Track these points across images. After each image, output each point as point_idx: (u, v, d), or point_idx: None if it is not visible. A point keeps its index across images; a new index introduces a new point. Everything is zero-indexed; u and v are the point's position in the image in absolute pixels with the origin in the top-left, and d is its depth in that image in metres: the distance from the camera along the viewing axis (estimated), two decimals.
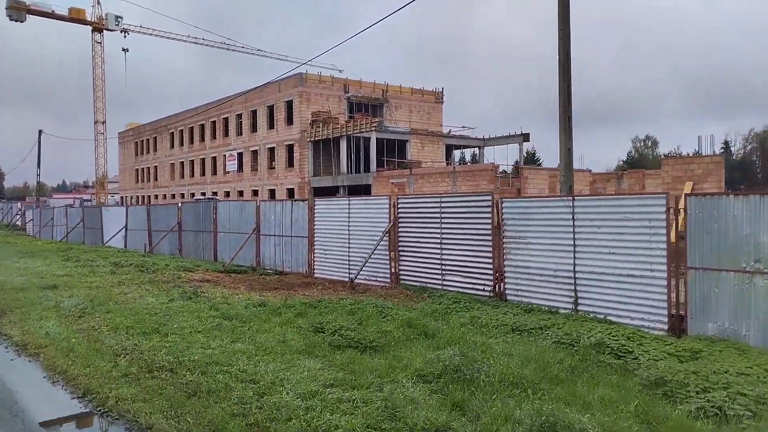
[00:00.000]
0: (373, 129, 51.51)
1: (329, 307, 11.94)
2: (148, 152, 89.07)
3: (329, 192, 55.53)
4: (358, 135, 53.99)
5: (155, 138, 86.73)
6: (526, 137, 58.95)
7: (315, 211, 19.83)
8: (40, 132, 64.07)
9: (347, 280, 18.24)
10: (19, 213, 57.87)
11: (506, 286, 13.72)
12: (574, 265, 12.15)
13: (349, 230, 18.44)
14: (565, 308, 12.25)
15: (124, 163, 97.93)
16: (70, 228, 38.01)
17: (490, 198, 14.19)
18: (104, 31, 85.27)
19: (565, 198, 12.45)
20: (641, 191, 37.56)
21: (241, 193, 66.51)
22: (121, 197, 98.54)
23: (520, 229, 13.32)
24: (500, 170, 43.67)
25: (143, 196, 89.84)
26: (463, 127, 61.66)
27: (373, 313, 11.10)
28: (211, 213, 25.62)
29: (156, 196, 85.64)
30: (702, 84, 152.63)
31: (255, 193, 64.89)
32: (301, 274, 20.28)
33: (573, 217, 12.12)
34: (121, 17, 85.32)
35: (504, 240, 13.68)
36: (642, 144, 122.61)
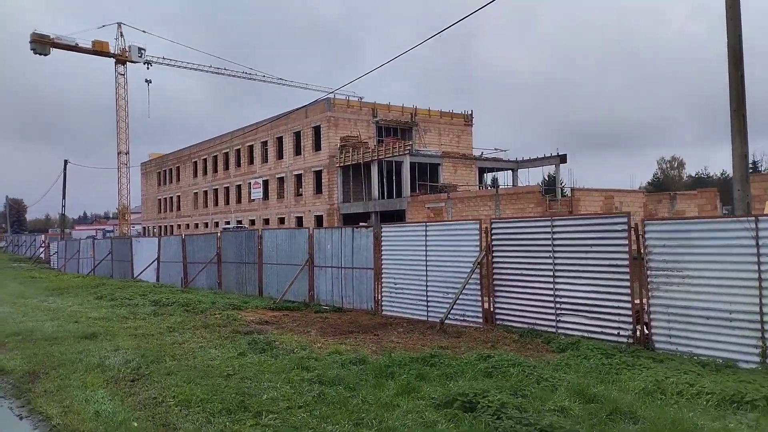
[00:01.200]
0: (406, 152, 48.97)
1: (452, 366, 9.13)
2: (170, 182, 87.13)
3: (360, 218, 52.93)
4: (390, 159, 51.51)
5: (178, 168, 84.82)
6: (563, 158, 56.22)
7: (383, 238, 17.10)
8: (66, 162, 62.13)
9: (424, 318, 15.48)
10: (43, 246, 55.57)
11: (653, 330, 10.85)
12: (761, 304, 9.31)
13: (426, 260, 15.67)
14: (746, 360, 9.39)
15: (146, 194, 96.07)
16: (98, 261, 35.51)
17: (625, 220, 11.39)
18: (127, 63, 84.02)
19: (743, 218, 9.62)
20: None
21: (267, 221, 64.11)
22: (143, 228, 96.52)
23: (673, 258, 10.49)
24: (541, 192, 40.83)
25: (166, 226, 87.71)
26: (496, 149, 59.05)
27: (521, 375, 8.28)
28: (255, 243, 22.97)
29: (179, 226, 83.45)
30: (707, 109, 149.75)
31: (281, 221, 62.45)
32: (365, 312, 17.51)
33: (757, 243, 9.31)
34: (144, 49, 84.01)
35: (648, 272, 10.86)
36: (668, 165, 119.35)
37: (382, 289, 17.10)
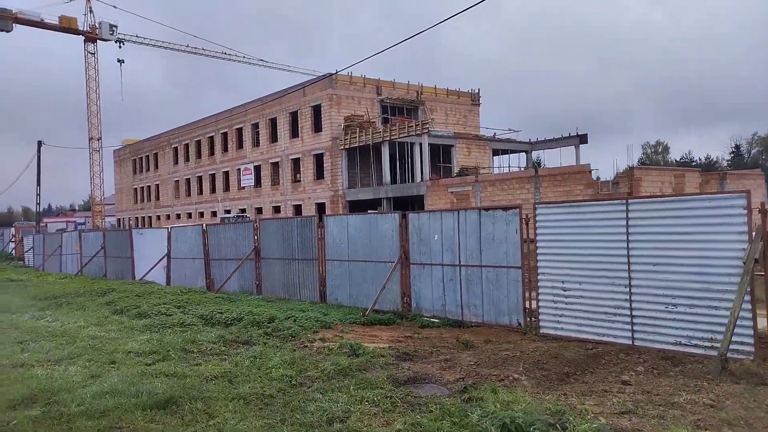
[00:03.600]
0: (425, 132, 43.60)
1: None
2: (148, 170, 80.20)
3: (369, 206, 47.53)
4: (401, 140, 46.15)
5: (156, 154, 77.98)
6: (582, 138, 51.62)
7: (539, 223, 11.80)
8: (40, 144, 54.78)
9: (626, 342, 10.32)
10: (13, 240, 48.68)
11: None
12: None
13: (628, 255, 10.44)
14: None
15: (120, 183, 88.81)
16: (86, 257, 29.45)
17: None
18: (98, 41, 76.83)
19: None
20: None
21: (259, 210, 58.23)
22: (118, 219, 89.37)
23: None
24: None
25: (143, 217, 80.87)
26: (509, 129, 54.09)
27: None
28: (312, 233, 17.47)
29: (158, 217, 76.77)
30: (670, 95, 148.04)
31: (276, 209, 56.67)
32: (506, 328, 12.30)
33: None
34: (116, 26, 76.96)
35: None
36: (653, 150, 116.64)
37: (540, 297, 11.81)
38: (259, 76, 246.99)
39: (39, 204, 56.57)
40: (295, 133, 54.80)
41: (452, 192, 41.37)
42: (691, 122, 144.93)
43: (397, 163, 49.11)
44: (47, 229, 60.69)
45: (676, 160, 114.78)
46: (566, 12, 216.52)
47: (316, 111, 52.24)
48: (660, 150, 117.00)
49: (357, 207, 48.50)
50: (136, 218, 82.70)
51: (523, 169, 53.93)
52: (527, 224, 12.15)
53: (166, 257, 24.10)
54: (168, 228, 24.76)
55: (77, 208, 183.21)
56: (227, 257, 21.01)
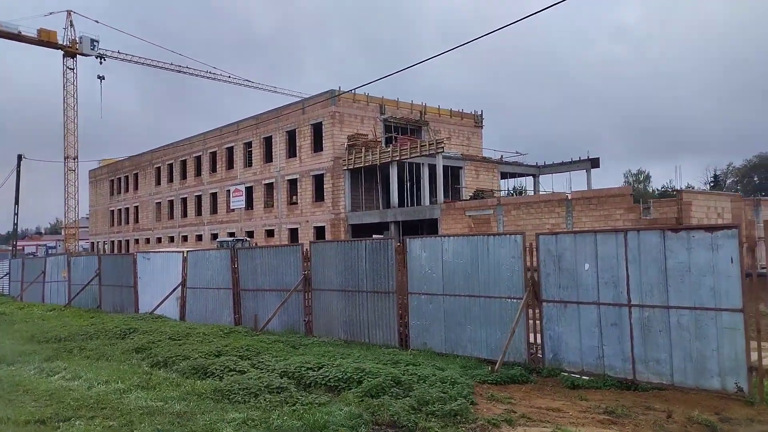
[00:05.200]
0: (438, 151, 40.38)
1: None
2: (127, 191, 75.35)
3: (373, 230, 44.02)
4: (408, 161, 42.89)
5: (136, 175, 73.30)
6: (594, 162, 49.04)
7: None
8: (20, 158, 49.81)
9: None
10: None
11: None
12: None
13: None
14: None
15: (96, 204, 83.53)
16: (77, 286, 25.21)
17: None
18: (77, 56, 72.72)
19: None
20: None
21: (250, 234, 54.08)
22: (91, 243, 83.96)
23: None
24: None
25: (119, 241, 75.82)
26: (516, 152, 51.31)
27: None
28: (390, 259, 13.86)
29: (137, 241, 71.86)
30: (635, 128, 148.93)
31: (270, 233, 52.69)
32: (717, 394, 8.87)
33: None
34: (97, 41, 72.95)
35: None
36: (634, 178, 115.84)
37: None
38: (242, 97, 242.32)
39: (17, 225, 51.45)
40: (292, 152, 51.13)
41: (470, 216, 38.05)
42: (655, 153, 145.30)
43: (405, 186, 45.74)
44: (24, 253, 55.45)
45: (657, 189, 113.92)
46: (534, 49, 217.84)
47: (317, 129, 48.74)
48: (642, 179, 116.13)
49: (360, 231, 44.95)
50: (112, 242, 77.59)
51: (531, 193, 51.08)
52: (751, 250, 8.76)
53: (180, 287, 20.14)
54: (184, 252, 20.84)
55: (43, 231, 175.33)
56: (264, 287, 17.22)
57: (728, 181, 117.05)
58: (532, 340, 11.50)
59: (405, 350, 13.10)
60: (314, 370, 9.51)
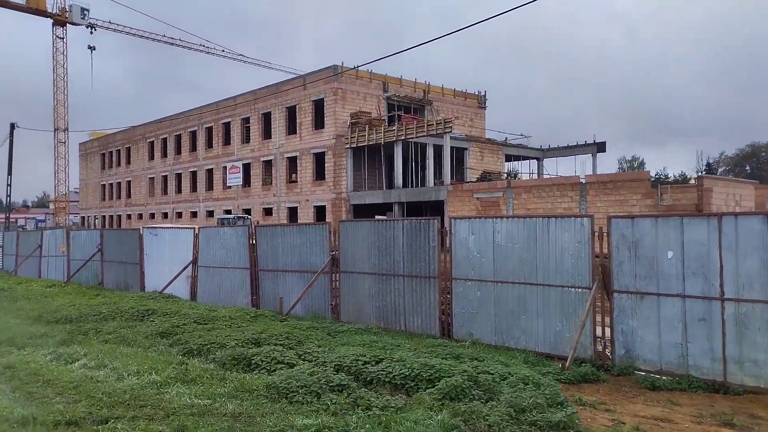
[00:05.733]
0: (446, 131, 39.18)
1: None
2: (119, 165, 73.51)
3: (377, 210, 42.89)
4: (412, 141, 41.72)
5: (128, 149, 71.45)
6: (600, 146, 48.16)
7: None
8: (13, 126, 47.80)
9: None
10: None
11: None
12: None
13: None
14: None
15: (86, 178, 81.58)
16: (77, 261, 23.92)
17: None
18: (68, 25, 70.34)
19: None
20: None
21: (248, 212, 52.71)
22: (82, 218, 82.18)
23: None
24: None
25: (111, 216, 74.13)
26: (521, 134, 50.23)
27: None
28: (431, 241, 12.75)
29: (129, 216, 70.25)
30: (627, 113, 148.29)
31: (268, 212, 51.40)
32: None
33: None
34: (87, 10, 70.51)
35: None
36: (628, 165, 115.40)
37: None
38: (235, 74, 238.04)
39: (10, 196, 49.44)
40: (292, 129, 49.69)
41: (478, 198, 37.03)
42: (645, 140, 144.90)
43: (410, 166, 44.59)
44: (17, 226, 53.70)
45: (651, 177, 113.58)
46: (529, 31, 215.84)
47: (318, 106, 47.30)
48: (636, 165, 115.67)
49: (362, 212, 43.81)
50: (103, 216, 75.88)
51: (535, 176, 50.11)
52: None
53: (191, 265, 18.94)
54: (195, 228, 19.61)
55: (30, 204, 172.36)
56: (286, 268, 16.07)
57: (720, 170, 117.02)
58: (598, 334, 10.47)
59: (448, 340, 12.05)
60: (372, 365, 8.42)
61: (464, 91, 53.91)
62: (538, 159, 51.42)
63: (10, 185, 46.99)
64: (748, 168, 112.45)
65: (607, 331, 10.34)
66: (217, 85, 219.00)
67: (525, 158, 51.14)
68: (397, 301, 13.44)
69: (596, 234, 10.38)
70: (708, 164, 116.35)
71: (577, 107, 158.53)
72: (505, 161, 51.16)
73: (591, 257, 10.36)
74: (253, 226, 18.54)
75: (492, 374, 8.03)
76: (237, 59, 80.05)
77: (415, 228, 13.17)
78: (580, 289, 10.46)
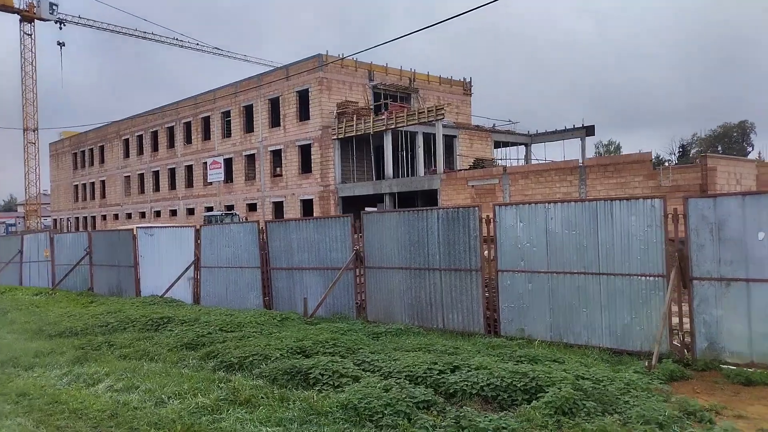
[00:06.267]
0: (438, 119, 38.17)
1: None
2: (92, 165, 71.11)
3: (366, 202, 41.61)
4: (401, 130, 40.65)
5: (102, 147, 69.10)
6: (589, 130, 47.56)
7: None
8: None
9: None
10: None
11: None
12: None
13: None
14: None
15: (57, 179, 78.88)
16: (63, 267, 22.39)
17: None
18: (35, 20, 67.73)
19: None
20: None
21: (230, 208, 51.09)
22: (54, 220, 79.55)
23: None
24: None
25: (84, 218, 71.73)
26: (509, 121, 49.44)
27: None
28: (472, 231, 11.69)
29: (104, 217, 68.03)
30: (597, 100, 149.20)
31: (252, 207, 49.93)
32: None
33: None
34: (56, 5, 67.89)
35: None
36: (605, 149, 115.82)
37: None
38: (211, 68, 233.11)
39: None
40: (276, 121, 48.19)
41: (473, 186, 36.11)
42: (616, 125, 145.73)
43: (399, 156, 43.48)
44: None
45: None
46: (501, 22, 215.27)
47: (303, 97, 45.88)
48: (612, 149, 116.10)
49: (352, 204, 42.56)
50: (77, 218, 73.46)
51: (523, 162, 49.37)
52: None
53: (193, 266, 17.63)
54: (196, 226, 18.27)
55: None
56: (302, 266, 14.88)
57: (692, 151, 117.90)
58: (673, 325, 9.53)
59: (495, 337, 11.03)
60: (447, 373, 7.34)
61: (450, 78, 52.89)
62: (526, 145, 50.69)
63: None
64: (719, 148, 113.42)
65: (684, 322, 9.39)
66: (192, 80, 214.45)
67: (513, 144, 50.33)
68: (432, 297, 12.36)
69: (669, 216, 9.40)
70: (682, 146, 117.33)
71: (547, 94, 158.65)
72: (495, 148, 50.28)
73: (664, 242, 9.39)
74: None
75: (594, 380, 6.99)
76: (212, 52, 78.09)
77: (452, 217, 12.08)
78: (651, 278, 9.49)
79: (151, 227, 19.69)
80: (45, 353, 9.86)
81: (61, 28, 68.34)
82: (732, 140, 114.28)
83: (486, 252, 11.68)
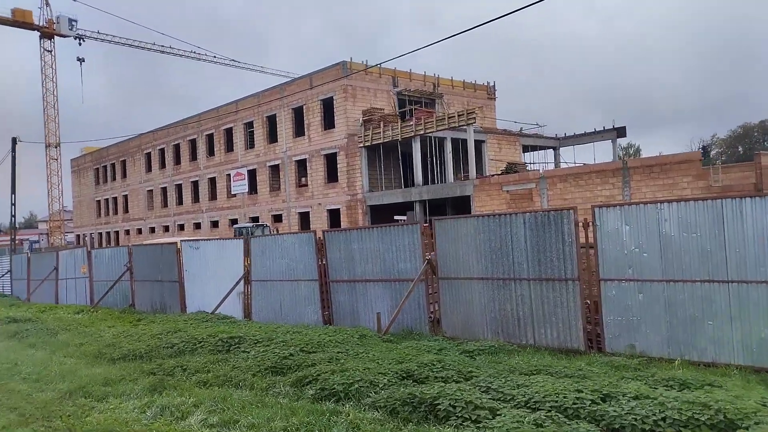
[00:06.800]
0: (470, 122, 37.09)
1: None
2: (114, 179, 70.63)
3: (395, 210, 40.62)
4: (429, 136, 39.64)
5: (124, 162, 68.60)
6: (620, 132, 46.31)
7: None
8: (15, 141, 44.79)
9: None
10: None
11: None
12: None
13: None
14: None
15: (80, 195, 78.51)
16: (102, 283, 21.50)
17: None
18: (55, 37, 67.50)
19: None
20: None
21: (255, 220, 50.27)
22: (77, 236, 79.11)
23: None
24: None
25: (108, 233, 71.21)
26: (537, 124, 48.31)
27: None
28: (567, 236, 10.61)
29: (127, 232, 67.42)
30: (607, 101, 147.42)
31: (277, 218, 49.01)
32: None
33: None
34: (75, 21, 67.65)
35: None
36: (624, 152, 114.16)
37: None
38: (228, 81, 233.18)
39: (14, 216, 46.21)
40: (299, 131, 47.31)
41: (508, 191, 34.97)
42: (633, 128, 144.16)
43: (428, 162, 42.43)
44: (22, 247, 50.67)
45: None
46: (505, 23, 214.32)
47: (327, 105, 45.01)
48: (632, 152, 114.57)
49: (380, 213, 41.59)
50: (99, 233, 72.94)
51: (551, 166, 48.15)
52: None
53: (243, 280, 16.62)
54: (245, 238, 17.28)
55: (17, 226, 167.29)
56: (366, 277, 13.83)
57: (712, 152, 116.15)
58: None
59: (600, 354, 9.91)
60: (599, 403, 6.24)
61: (474, 82, 51.88)
62: (554, 148, 49.51)
63: (14, 204, 43.91)
64: (740, 149, 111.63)
65: None
66: (208, 93, 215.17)
67: (542, 148, 49.19)
68: (520, 310, 11.25)
69: None
70: (703, 147, 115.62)
71: (560, 99, 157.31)
72: (523, 152, 49.15)
73: None
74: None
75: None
76: (229, 65, 77.68)
77: (541, 222, 10.99)
78: None
79: (196, 240, 18.72)
80: (115, 380, 8.85)
81: (80, 44, 68.09)
82: (753, 140, 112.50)
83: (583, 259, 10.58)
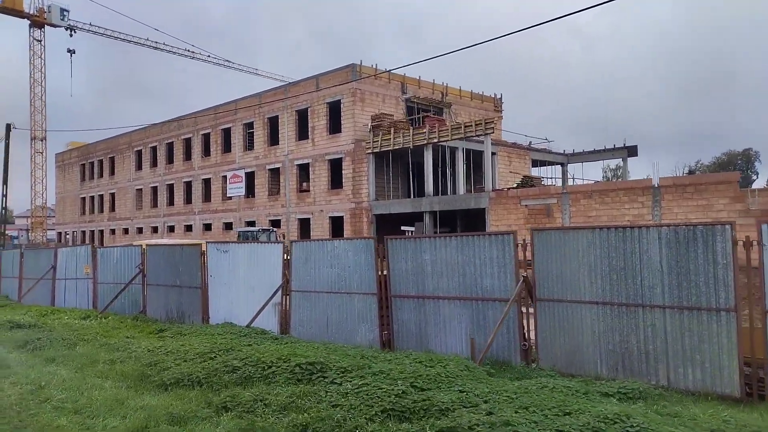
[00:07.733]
0: (488, 132, 35.35)
1: None
2: (101, 176, 67.57)
3: (403, 221, 38.66)
4: (443, 145, 37.85)
5: (112, 159, 65.65)
6: (631, 151, 45.01)
7: None
8: (9, 127, 41.68)
9: None
10: None
11: None
12: None
13: None
14: None
15: (64, 191, 75.14)
16: (109, 285, 19.12)
17: None
18: (46, 26, 64.63)
19: None
20: None
21: (252, 224, 47.90)
22: (58, 233, 75.69)
23: None
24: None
25: (92, 231, 68.05)
26: (545, 139, 46.83)
27: None
28: (715, 253, 8.70)
29: (113, 231, 64.41)
30: (583, 124, 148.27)
31: (275, 223, 46.65)
32: None
33: None
34: (67, 11, 64.83)
35: None
36: (613, 174, 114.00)
37: None
38: (222, 81, 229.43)
39: (5, 208, 42.95)
40: (303, 134, 45.19)
41: (527, 205, 33.21)
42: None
43: (440, 172, 40.56)
44: (13, 242, 47.42)
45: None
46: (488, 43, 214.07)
47: (334, 108, 42.97)
48: (620, 173, 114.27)
49: (387, 222, 39.60)
50: (83, 232, 69.72)
51: (559, 182, 46.64)
52: None
53: (279, 290, 14.46)
54: (285, 242, 15.13)
55: None
56: (439, 294, 11.80)
57: None
58: None
59: (763, 404, 7.99)
60: None
61: (481, 93, 50.31)
62: (562, 164, 48.03)
63: (5, 196, 40.79)
64: None
65: None
66: (198, 92, 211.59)
67: (551, 163, 47.66)
68: (651, 343, 9.31)
69: None
70: (690, 171, 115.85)
71: (539, 119, 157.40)
72: (532, 166, 47.61)
73: None
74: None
75: None
76: (222, 65, 75.32)
77: (684, 237, 9.07)
78: None
79: (227, 243, 16.49)
80: (183, 418, 6.67)
81: (71, 35, 65.21)
82: (736, 167, 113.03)
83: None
